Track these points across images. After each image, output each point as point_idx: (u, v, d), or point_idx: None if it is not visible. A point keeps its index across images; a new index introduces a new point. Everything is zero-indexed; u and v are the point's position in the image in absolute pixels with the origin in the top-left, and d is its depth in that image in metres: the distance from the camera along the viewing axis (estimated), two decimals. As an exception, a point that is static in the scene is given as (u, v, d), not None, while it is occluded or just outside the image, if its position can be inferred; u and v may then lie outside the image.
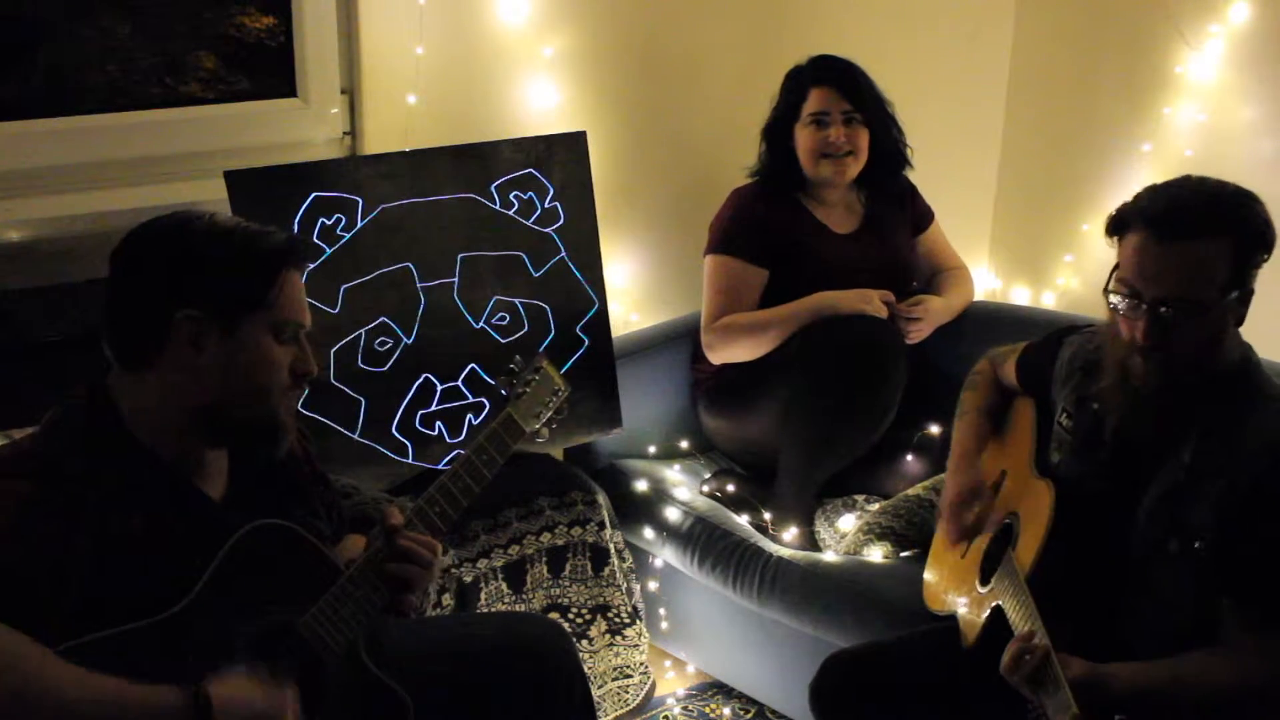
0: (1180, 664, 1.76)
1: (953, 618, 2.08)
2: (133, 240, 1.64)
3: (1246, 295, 1.80)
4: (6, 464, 1.55)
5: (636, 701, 2.72)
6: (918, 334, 2.87)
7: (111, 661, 1.43)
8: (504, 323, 2.64)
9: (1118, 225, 1.83)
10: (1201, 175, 1.86)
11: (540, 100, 2.99)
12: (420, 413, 2.57)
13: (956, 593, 2.12)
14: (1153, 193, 1.82)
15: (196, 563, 1.55)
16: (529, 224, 2.66)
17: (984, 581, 2.02)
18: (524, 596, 2.61)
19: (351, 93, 2.80)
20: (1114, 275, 1.83)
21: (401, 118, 2.79)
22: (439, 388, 2.58)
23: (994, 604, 1.92)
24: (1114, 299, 1.81)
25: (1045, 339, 2.19)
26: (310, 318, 1.69)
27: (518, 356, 1.98)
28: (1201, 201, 1.78)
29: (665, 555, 2.78)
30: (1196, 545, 1.77)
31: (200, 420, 1.60)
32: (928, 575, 2.26)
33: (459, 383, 2.61)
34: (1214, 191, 1.80)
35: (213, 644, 1.54)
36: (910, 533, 2.58)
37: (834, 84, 2.81)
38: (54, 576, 1.45)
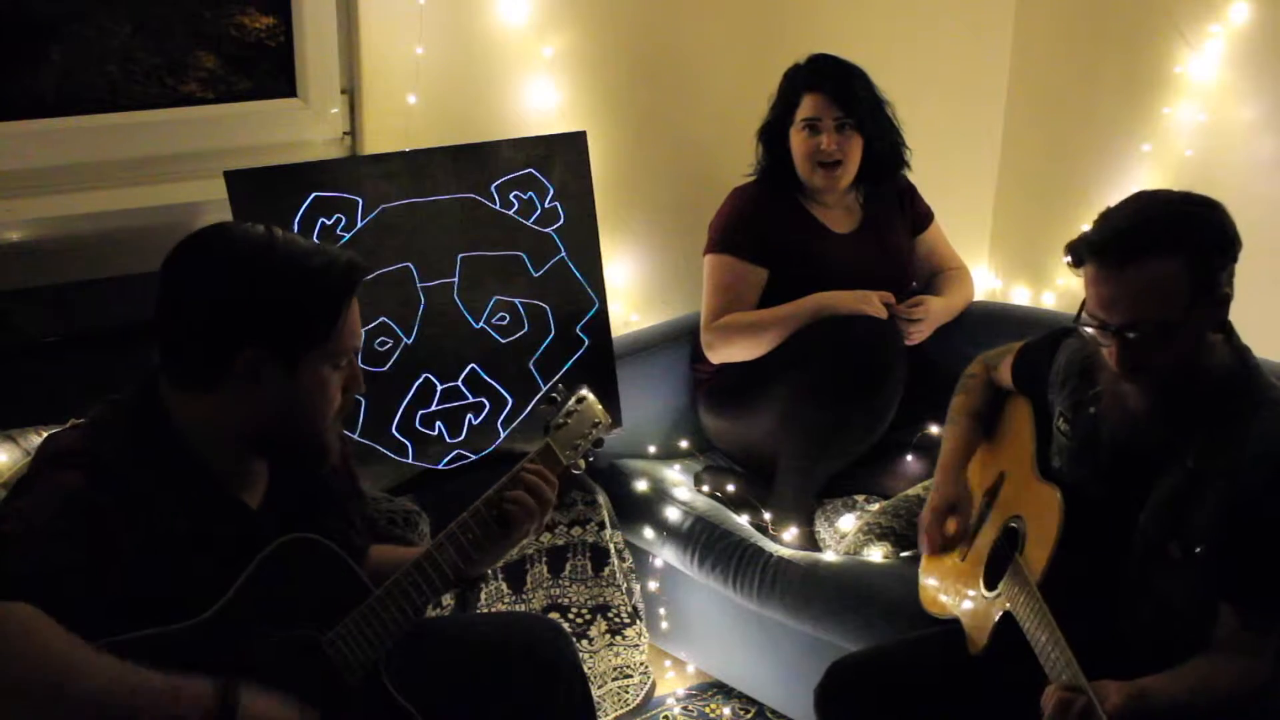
0: (1198, 667, 1.75)
1: (954, 621, 2.07)
2: (192, 261, 1.60)
3: (1219, 301, 1.78)
4: (54, 457, 1.55)
5: (636, 701, 2.72)
6: (918, 335, 2.87)
7: (138, 662, 1.43)
8: (504, 323, 2.64)
9: (1075, 258, 1.82)
10: (1153, 190, 1.85)
11: (540, 100, 2.99)
12: (420, 413, 2.57)
13: (958, 595, 2.11)
14: (1101, 220, 1.81)
15: (231, 569, 1.56)
16: (529, 224, 2.66)
17: (990, 586, 2.01)
18: (524, 596, 2.61)
19: (351, 93, 2.80)
20: (1083, 307, 1.83)
21: (401, 118, 2.79)
22: (439, 388, 2.58)
23: (1003, 609, 1.92)
24: (1086, 330, 1.82)
25: (1041, 339, 2.18)
26: (362, 336, 1.70)
27: (560, 385, 1.99)
28: (1143, 223, 1.75)
29: (665, 555, 2.78)
30: (1197, 550, 1.77)
31: (252, 440, 1.63)
32: (923, 576, 2.26)
33: (459, 383, 2.61)
34: (1160, 208, 1.78)
35: (238, 653, 1.54)
36: (910, 533, 2.57)
37: (827, 90, 2.81)
38: (93, 572, 1.46)
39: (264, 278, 1.58)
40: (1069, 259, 1.83)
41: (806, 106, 2.83)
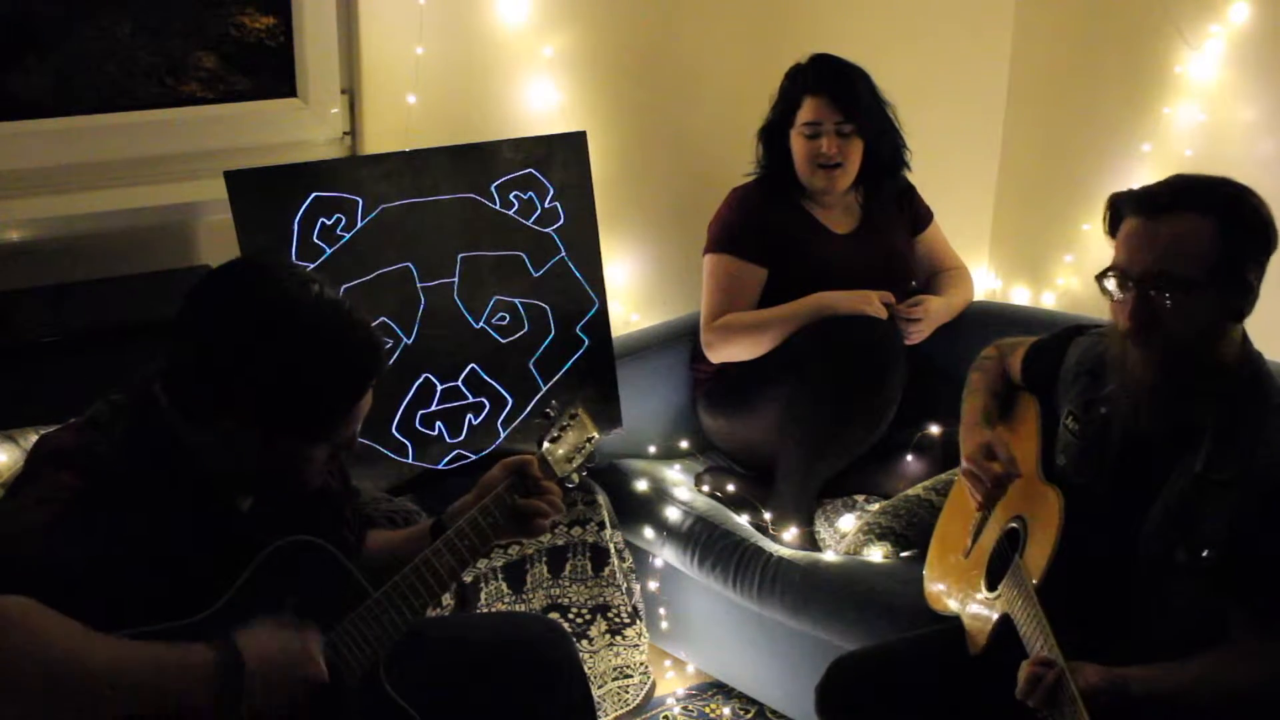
0: (1192, 666, 1.76)
1: (957, 619, 2.07)
2: (211, 308, 1.58)
3: (1242, 286, 1.79)
4: (50, 456, 1.55)
5: (636, 701, 2.72)
6: (917, 334, 2.87)
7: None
8: (504, 323, 2.64)
9: (1113, 217, 1.86)
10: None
11: (540, 100, 2.99)
12: (420, 413, 2.57)
13: (960, 594, 2.11)
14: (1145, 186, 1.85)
15: (225, 571, 1.57)
16: (529, 224, 2.66)
17: (991, 586, 2.01)
18: (524, 596, 2.61)
19: (351, 93, 2.80)
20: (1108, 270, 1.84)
21: (401, 118, 2.79)
22: (439, 388, 2.58)
23: (1002, 612, 1.92)
24: (1107, 284, 1.83)
25: (1053, 337, 2.18)
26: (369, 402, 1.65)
27: (553, 401, 2.00)
28: (1189, 182, 1.81)
29: (665, 555, 2.78)
30: (1205, 554, 1.77)
31: (231, 473, 1.62)
32: (928, 573, 2.26)
33: (459, 383, 2.61)
34: (1205, 177, 1.83)
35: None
36: (910, 533, 2.58)
37: (828, 94, 2.80)
38: (88, 571, 1.46)
39: (271, 366, 1.55)
40: (1106, 221, 1.86)
41: (807, 110, 2.82)
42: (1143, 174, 3.30)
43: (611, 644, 2.68)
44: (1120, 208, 1.84)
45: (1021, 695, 1.73)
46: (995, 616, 1.94)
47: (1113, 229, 1.86)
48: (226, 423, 1.57)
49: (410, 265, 2.54)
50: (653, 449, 2.99)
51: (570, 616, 2.65)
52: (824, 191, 2.87)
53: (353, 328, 1.60)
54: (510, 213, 2.64)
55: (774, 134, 2.90)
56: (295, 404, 1.57)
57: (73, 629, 1.40)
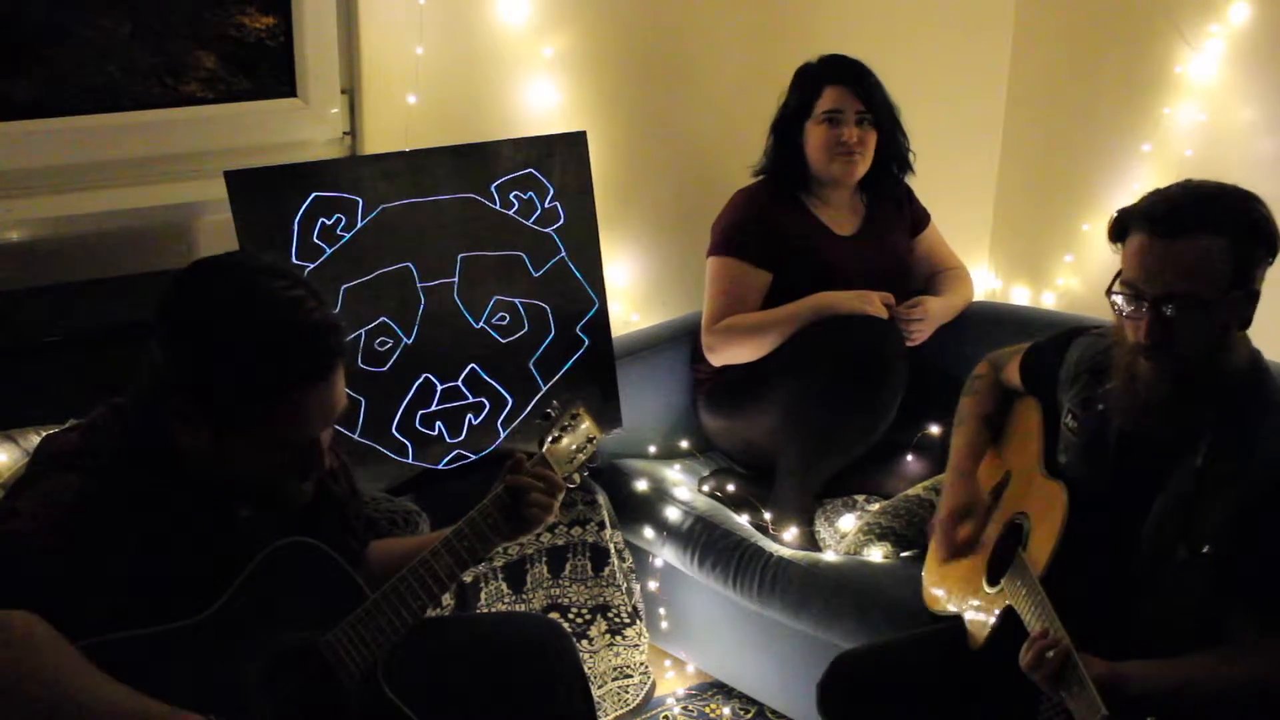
0: (1194, 662, 1.76)
1: (956, 618, 2.07)
2: (168, 297, 1.57)
3: (1251, 296, 1.80)
4: (53, 459, 1.56)
5: (636, 701, 2.72)
6: (918, 335, 2.87)
7: (132, 662, 1.44)
8: (504, 323, 2.64)
9: (1119, 228, 1.85)
10: (1202, 179, 1.86)
11: (540, 100, 2.99)
12: (420, 413, 2.57)
13: (960, 593, 2.11)
14: (1153, 195, 1.84)
15: (226, 575, 1.57)
16: (529, 224, 2.66)
17: (992, 582, 2.01)
18: (524, 596, 2.61)
19: (351, 93, 2.80)
20: (1117, 277, 1.84)
21: (401, 118, 2.79)
22: (439, 388, 2.58)
23: (1004, 605, 1.92)
24: (1117, 299, 1.82)
25: (1053, 338, 2.19)
26: (332, 415, 1.61)
27: (554, 401, 2.01)
28: (1200, 200, 1.79)
29: (665, 555, 2.78)
30: (1205, 550, 1.77)
31: (213, 474, 1.61)
32: (926, 575, 2.26)
33: (459, 383, 2.61)
34: (1213, 191, 1.81)
35: (234, 657, 1.54)
36: (910, 533, 2.58)
37: (849, 84, 2.83)
38: (91, 572, 1.46)
39: (208, 344, 1.53)
40: (1111, 231, 1.85)
41: (828, 99, 2.83)
42: (1143, 174, 3.30)
43: (611, 644, 2.68)
44: (1131, 223, 1.82)
45: (1027, 669, 1.72)
46: (996, 612, 1.94)
47: (1118, 238, 1.85)
48: (175, 421, 1.56)
49: (410, 265, 2.54)
50: (653, 449, 2.99)
51: (570, 616, 2.65)
52: (839, 180, 2.88)
53: (296, 312, 1.56)
54: (510, 213, 2.64)
55: (788, 127, 2.91)
56: (248, 394, 1.54)
57: (77, 662, 1.39)
